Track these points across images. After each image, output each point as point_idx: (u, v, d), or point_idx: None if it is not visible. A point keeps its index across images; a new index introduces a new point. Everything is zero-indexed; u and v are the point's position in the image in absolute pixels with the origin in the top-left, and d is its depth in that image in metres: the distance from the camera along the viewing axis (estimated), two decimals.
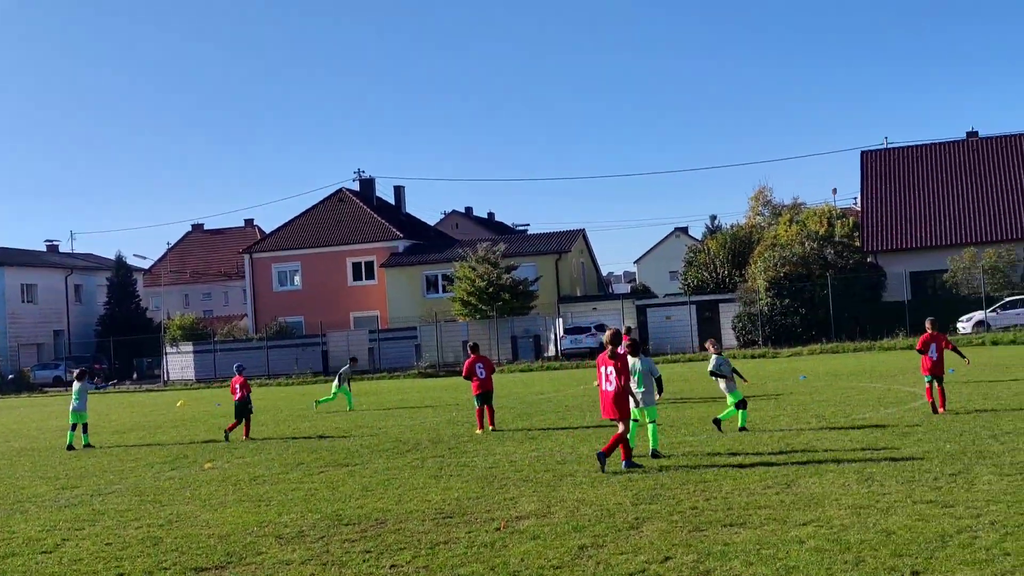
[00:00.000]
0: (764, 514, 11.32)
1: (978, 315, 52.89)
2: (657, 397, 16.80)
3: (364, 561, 10.33)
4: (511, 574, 9.32)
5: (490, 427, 22.52)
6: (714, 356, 19.77)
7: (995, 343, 47.31)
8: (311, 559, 10.60)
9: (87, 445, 25.06)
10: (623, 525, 11.24)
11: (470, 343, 24.94)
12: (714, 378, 19.96)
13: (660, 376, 16.97)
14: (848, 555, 9.17)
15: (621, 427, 15.41)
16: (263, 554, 11.02)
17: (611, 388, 15.43)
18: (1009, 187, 61.80)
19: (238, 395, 24.77)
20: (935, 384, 20.77)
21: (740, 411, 19.32)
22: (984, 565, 8.53)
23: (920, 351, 21.27)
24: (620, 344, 15.66)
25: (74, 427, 25.20)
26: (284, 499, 14.77)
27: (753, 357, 51.37)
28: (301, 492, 15.34)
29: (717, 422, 19.45)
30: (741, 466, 14.95)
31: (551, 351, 62.89)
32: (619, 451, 15.54)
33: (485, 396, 22.75)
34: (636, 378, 16.42)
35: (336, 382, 33.23)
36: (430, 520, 12.35)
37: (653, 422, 16.67)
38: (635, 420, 16.38)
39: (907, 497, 11.74)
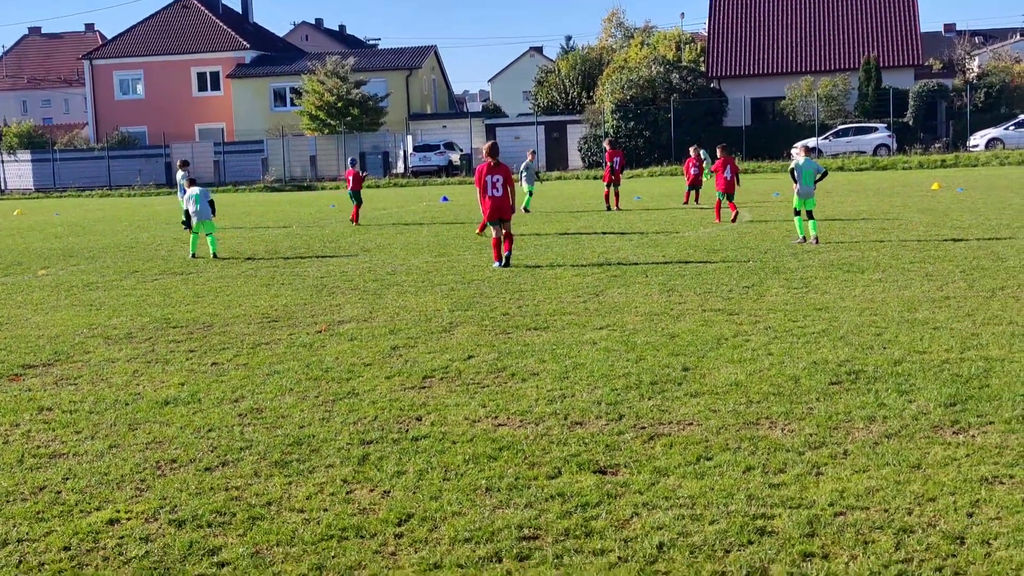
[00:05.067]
0: (567, 320, 12.23)
1: (811, 142, 54.87)
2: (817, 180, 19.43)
3: (187, 359, 10.90)
4: (324, 370, 10.02)
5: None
6: (801, 158, 19.69)
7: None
8: (137, 357, 11.11)
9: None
10: (437, 329, 12.03)
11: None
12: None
13: (826, 172, 19.82)
14: (632, 354, 10.12)
15: (505, 230, 17.41)
16: (90, 353, 11.48)
17: (499, 194, 17.26)
18: (849, 17, 63.31)
19: (351, 185, 28.74)
20: (725, 200, 24.15)
21: (807, 220, 19.32)
22: (747, 363, 9.55)
23: (714, 171, 24.63)
24: (498, 155, 17.62)
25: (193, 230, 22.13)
26: (116, 304, 15.14)
27: (596, 178, 52.53)
28: (133, 298, 15.72)
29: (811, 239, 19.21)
30: (558, 277, 15.88)
31: (399, 168, 63.07)
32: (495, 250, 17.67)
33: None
34: (804, 176, 19.19)
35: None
36: (255, 324, 12.94)
37: (810, 213, 19.22)
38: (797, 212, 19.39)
39: (699, 306, 12.78)
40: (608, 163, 29.61)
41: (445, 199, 38.97)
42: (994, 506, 5.90)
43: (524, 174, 30.43)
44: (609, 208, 29.47)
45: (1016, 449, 6.84)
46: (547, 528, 5.86)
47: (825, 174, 19.69)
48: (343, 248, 22.09)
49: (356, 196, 28.65)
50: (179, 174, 27.46)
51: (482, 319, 12.52)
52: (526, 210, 29.46)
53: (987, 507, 5.89)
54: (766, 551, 5.44)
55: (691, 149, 31.71)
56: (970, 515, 5.79)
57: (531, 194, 30.62)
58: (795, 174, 19.49)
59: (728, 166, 23.99)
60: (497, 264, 17.46)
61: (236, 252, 22.20)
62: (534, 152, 34.12)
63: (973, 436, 7.17)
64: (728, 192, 24.05)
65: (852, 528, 5.67)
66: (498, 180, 17.30)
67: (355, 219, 28.48)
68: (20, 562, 5.70)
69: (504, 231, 17.54)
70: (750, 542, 5.56)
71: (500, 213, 17.37)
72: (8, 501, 6.69)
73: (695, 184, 30.64)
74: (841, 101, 57.64)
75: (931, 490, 6.17)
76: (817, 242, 19.02)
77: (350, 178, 29.09)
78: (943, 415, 7.65)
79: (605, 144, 28.59)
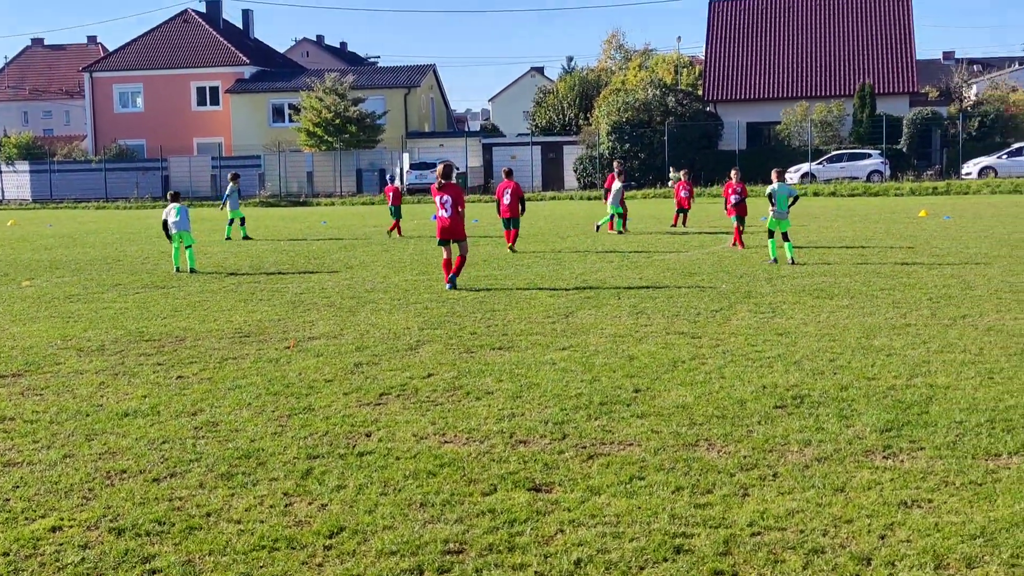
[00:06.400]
0: (533, 340, 12.42)
1: (805, 167, 55.19)
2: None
3: (154, 372, 11.08)
4: (285, 386, 10.20)
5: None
6: (775, 183, 20.41)
7: (816, 194, 49.58)
8: (105, 370, 11.30)
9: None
10: (403, 347, 12.21)
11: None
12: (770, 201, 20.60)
13: (797, 196, 20.89)
14: (587, 375, 10.30)
15: (459, 248, 17.73)
16: (61, 364, 11.67)
17: (447, 214, 17.53)
18: (845, 44, 63.63)
19: (391, 200, 30.67)
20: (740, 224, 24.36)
21: (782, 243, 20.10)
22: (698, 385, 9.73)
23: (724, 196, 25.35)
24: (451, 177, 18.05)
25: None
26: (94, 316, 15.33)
27: (590, 199, 52.80)
28: (111, 311, 15.89)
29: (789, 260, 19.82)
30: (532, 298, 16.07)
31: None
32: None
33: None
34: (779, 200, 20.13)
35: None
36: (227, 338, 13.13)
37: (785, 235, 20.07)
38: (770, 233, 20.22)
39: (664, 329, 12.97)
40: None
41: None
42: (907, 529, 6.07)
43: (611, 196, 29.83)
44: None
45: (940, 474, 7.02)
46: (472, 543, 6.04)
47: (797, 198, 20.57)
48: (327, 265, 22.29)
49: (397, 211, 30.44)
50: (230, 186, 30.95)
51: (449, 338, 12.70)
52: (620, 231, 29.35)
53: (900, 530, 6.07)
54: (679, 568, 5.61)
55: (681, 173, 32.00)
56: (882, 537, 5.97)
57: (622, 216, 29.67)
58: (772, 198, 20.14)
59: (730, 190, 24.53)
60: (449, 286, 17.56)
61: (220, 267, 22.39)
62: (623, 172, 32.77)
63: (902, 461, 7.35)
64: (738, 215, 24.13)
65: (766, 548, 5.85)
66: (447, 201, 17.54)
67: (399, 232, 30.26)
68: None
69: (458, 251, 17.72)
70: (665, 559, 5.74)
71: (449, 234, 17.64)
72: None
73: (683, 207, 30.93)
74: (836, 127, 58.06)
75: (849, 512, 6.35)
76: (793, 263, 19.53)
77: (390, 194, 31.03)
78: (877, 440, 7.83)
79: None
